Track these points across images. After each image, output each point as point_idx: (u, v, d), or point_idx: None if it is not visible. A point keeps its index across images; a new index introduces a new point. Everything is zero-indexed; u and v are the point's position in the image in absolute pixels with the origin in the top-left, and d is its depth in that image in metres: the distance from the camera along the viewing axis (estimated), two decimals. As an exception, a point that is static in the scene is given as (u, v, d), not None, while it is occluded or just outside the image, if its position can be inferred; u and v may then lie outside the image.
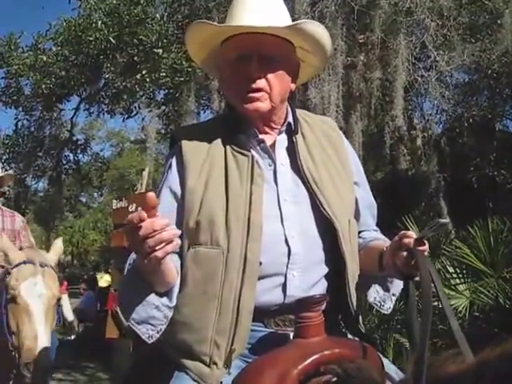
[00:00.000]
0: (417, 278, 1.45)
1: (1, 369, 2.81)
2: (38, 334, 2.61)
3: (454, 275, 5.07)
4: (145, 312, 1.41)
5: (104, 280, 15.08)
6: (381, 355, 1.47)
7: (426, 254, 1.42)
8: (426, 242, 1.43)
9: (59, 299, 2.89)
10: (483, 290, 4.79)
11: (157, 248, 1.22)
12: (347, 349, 1.35)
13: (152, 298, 1.42)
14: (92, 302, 11.73)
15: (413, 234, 1.44)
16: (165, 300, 1.44)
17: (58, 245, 3.09)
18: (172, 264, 1.44)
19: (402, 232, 1.45)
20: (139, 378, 1.64)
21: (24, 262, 2.78)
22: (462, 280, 5.05)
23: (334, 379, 1.19)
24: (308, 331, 1.36)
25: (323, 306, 1.41)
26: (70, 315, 11.17)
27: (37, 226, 17.03)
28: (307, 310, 1.37)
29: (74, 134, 12.15)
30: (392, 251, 1.45)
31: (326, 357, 1.30)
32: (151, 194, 1.22)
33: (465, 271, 5.10)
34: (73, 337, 10.56)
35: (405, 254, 1.41)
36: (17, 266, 2.77)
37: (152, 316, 1.41)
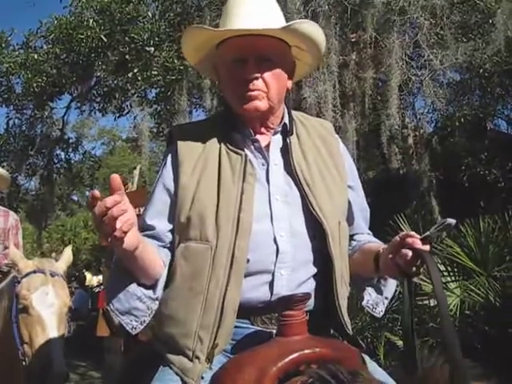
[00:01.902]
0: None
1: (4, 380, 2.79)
2: (51, 344, 2.60)
3: (445, 273, 5.10)
4: (127, 303, 1.44)
5: (88, 279, 15.10)
6: (366, 357, 1.47)
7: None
8: (429, 241, 1.42)
9: (70, 308, 2.88)
10: (474, 289, 4.82)
11: (116, 227, 1.23)
12: (329, 349, 1.34)
13: (135, 289, 1.45)
14: (84, 301, 11.70)
15: (415, 234, 1.44)
16: (148, 292, 1.47)
17: (67, 254, 3.06)
18: (156, 256, 1.47)
19: (405, 232, 1.47)
20: (131, 378, 1.64)
21: (34, 272, 2.77)
22: (453, 278, 5.08)
23: (310, 380, 1.18)
24: (290, 329, 1.36)
25: (306, 305, 1.41)
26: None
27: (28, 225, 16.95)
28: (289, 308, 1.37)
29: (65, 133, 12.09)
30: (393, 250, 1.46)
31: (306, 356, 1.30)
32: (115, 176, 1.24)
33: (456, 270, 5.13)
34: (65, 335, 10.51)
35: (409, 253, 1.40)
36: (27, 275, 2.75)
37: (135, 307, 1.45)
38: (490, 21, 7.96)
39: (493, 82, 9.09)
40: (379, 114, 8.26)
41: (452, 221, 1.38)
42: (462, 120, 8.99)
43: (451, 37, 7.66)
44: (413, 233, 1.44)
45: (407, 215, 5.98)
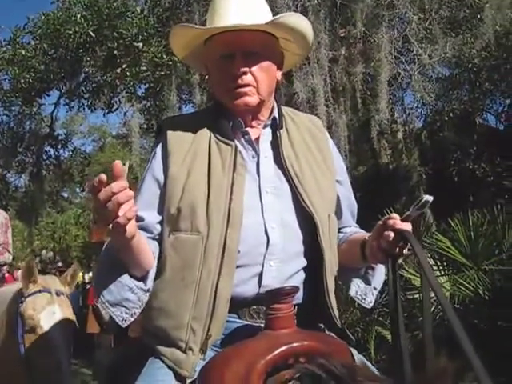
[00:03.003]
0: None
1: None
2: (61, 365, 2.57)
3: (435, 267, 5.12)
4: (119, 294, 1.42)
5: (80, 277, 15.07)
6: (354, 351, 1.47)
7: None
8: (410, 221, 1.43)
9: (75, 327, 2.83)
10: (463, 282, 4.84)
11: (119, 214, 1.22)
12: (317, 342, 1.33)
13: (126, 279, 1.43)
14: (75, 298, 11.64)
15: (396, 215, 1.45)
16: (139, 283, 1.45)
17: (73, 272, 2.99)
18: (148, 247, 1.46)
19: (387, 216, 1.47)
20: (119, 371, 1.63)
21: (39, 291, 2.73)
22: (443, 272, 5.10)
23: (297, 375, 1.17)
24: (278, 323, 1.35)
25: (294, 298, 1.40)
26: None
27: (18, 222, 16.86)
28: (277, 302, 1.36)
29: (54, 129, 12.03)
30: (377, 234, 1.46)
31: (295, 349, 1.29)
32: (117, 163, 1.22)
33: (445, 263, 5.14)
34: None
35: (392, 234, 1.41)
36: (32, 294, 2.71)
37: (126, 298, 1.43)
38: (479, 16, 8.00)
39: (481, 76, 9.14)
40: (369, 108, 8.28)
41: (429, 197, 1.38)
42: (451, 115, 9.04)
43: (440, 31, 7.69)
44: (394, 215, 1.45)
45: (397, 210, 5.98)
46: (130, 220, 1.25)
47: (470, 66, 8.69)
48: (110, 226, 1.24)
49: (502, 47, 8.55)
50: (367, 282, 1.64)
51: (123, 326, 1.43)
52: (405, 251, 1.44)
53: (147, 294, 1.47)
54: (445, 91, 9.34)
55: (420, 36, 7.73)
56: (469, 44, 8.05)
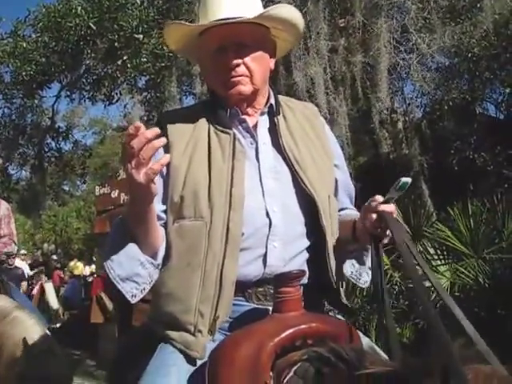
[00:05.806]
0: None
1: None
2: None
3: (435, 256, 5.16)
4: (130, 268, 1.44)
5: (79, 269, 15.13)
6: (360, 333, 1.51)
7: (395, 215, 1.50)
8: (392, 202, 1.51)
9: None
10: (464, 271, 4.88)
11: (151, 164, 1.27)
12: (324, 324, 1.38)
13: (138, 253, 1.45)
14: (76, 290, 11.71)
15: (379, 197, 1.51)
16: (150, 258, 1.48)
17: None
18: (159, 225, 1.50)
19: (371, 198, 1.53)
20: (127, 360, 1.66)
21: None
22: (443, 261, 5.14)
23: (305, 357, 1.20)
24: (286, 306, 1.39)
25: (301, 281, 1.45)
26: (55, 303, 11.12)
27: (20, 215, 16.88)
28: (285, 285, 1.39)
29: (55, 122, 12.04)
30: (363, 216, 1.53)
31: (302, 331, 1.33)
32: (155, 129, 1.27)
33: (445, 252, 5.18)
34: (58, 325, 10.56)
35: (373, 216, 1.48)
36: None
37: (137, 273, 1.45)
38: (478, 4, 7.98)
39: (481, 66, 9.10)
40: (369, 98, 8.28)
41: (407, 179, 1.46)
42: (451, 104, 9.02)
43: (439, 21, 7.68)
44: (377, 196, 1.52)
45: (397, 199, 6.01)
46: (163, 166, 1.30)
47: (469, 55, 8.65)
48: (141, 174, 1.27)
49: (501, 36, 8.51)
50: (361, 263, 1.69)
51: (132, 301, 1.45)
52: (388, 232, 1.49)
53: (157, 271, 1.50)
54: (444, 81, 9.32)
55: (419, 25, 7.71)
56: (468, 33, 8.03)
